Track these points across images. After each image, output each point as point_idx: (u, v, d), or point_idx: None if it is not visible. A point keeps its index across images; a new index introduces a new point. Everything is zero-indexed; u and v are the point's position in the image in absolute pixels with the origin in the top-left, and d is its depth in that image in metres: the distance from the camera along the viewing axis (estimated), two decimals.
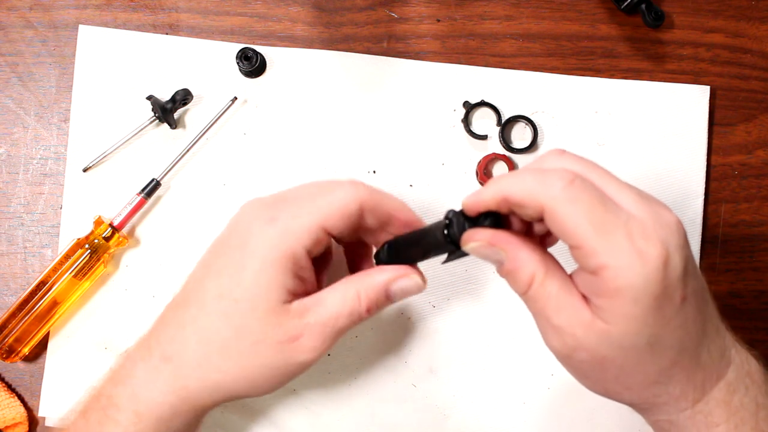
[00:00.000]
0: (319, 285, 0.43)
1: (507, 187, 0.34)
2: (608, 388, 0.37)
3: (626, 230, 0.32)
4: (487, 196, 0.35)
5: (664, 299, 0.33)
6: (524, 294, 0.36)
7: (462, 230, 0.36)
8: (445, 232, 0.36)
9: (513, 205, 0.34)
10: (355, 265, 0.46)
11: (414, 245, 0.40)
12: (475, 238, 0.36)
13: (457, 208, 0.37)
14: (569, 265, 0.36)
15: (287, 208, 0.40)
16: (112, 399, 0.41)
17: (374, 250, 0.44)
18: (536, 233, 0.38)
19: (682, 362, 0.35)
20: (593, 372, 0.36)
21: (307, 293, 0.40)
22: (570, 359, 0.36)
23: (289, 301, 0.39)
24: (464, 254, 0.37)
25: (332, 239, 0.41)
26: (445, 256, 0.39)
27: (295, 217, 0.39)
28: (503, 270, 0.36)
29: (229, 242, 0.41)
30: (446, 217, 0.37)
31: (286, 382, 0.41)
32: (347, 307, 0.39)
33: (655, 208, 0.34)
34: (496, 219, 0.36)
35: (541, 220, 0.34)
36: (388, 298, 0.41)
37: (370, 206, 0.40)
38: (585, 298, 0.35)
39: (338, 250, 0.46)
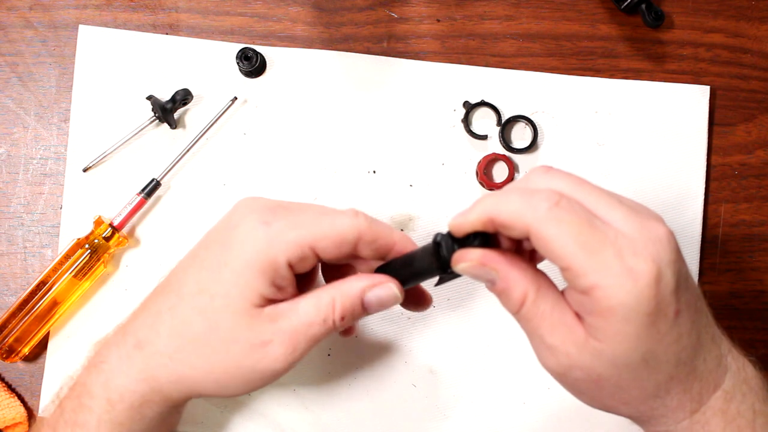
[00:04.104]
0: None
1: (492, 209, 0.34)
2: (605, 403, 0.37)
3: (615, 248, 0.32)
4: (472, 218, 0.35)
5: (657, 316, 0.33)
6: (516, 313, 0.36)
7: (451, 252, 0.36)
8: (436, 254, 0.36)
9: (499, 226, 0.34)
10: (331, 278, 0.45)
11: (405, 269, 0.40)
12: (465, 259, 0.35)
13: (445, 231, 0.37)
14: (560, 281, 0.36)
15: (283, 217, 0.39)
16: (86, 386, 0.41)
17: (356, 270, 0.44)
18: (525, 249, 0.38)
19: (679, 375, 0.35)
20: (589, 389, 0.36)
21: (283, 301, 0.40)
22: (565, 377, 0.36)
23: (263, 306, 0.39)
24: (456, 276, 0.37)
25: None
26: (437, 278, 0.39)
27: (288, 228, 0.38)
28: (495, 289, 0.36)
29: (218, 236, 0.41)
30: (435, 240, 0.37)
31: (256, 387, 0.40)
32: (321, 314, 0.39)
33: (645, 222, 0.33)
34: (485, 238, 0.36)
35: (528, 239, 0.34)
36: (363, 307, 0.40)
37: (368, 239, 0.39)
38: (578, 315, 0.35)
39: None
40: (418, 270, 0.39)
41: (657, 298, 0.32)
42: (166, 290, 0.41)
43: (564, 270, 0.33)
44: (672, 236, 0.34)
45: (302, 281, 0.43)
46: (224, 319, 0.38)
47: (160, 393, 0.40)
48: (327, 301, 0.39)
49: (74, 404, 0.41)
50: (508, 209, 0.34)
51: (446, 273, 0.37)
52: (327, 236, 0.38)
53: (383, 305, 0.40)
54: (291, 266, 0.39)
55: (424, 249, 0.38)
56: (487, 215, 0.34)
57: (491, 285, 0.36)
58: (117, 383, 0.40)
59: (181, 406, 0.43)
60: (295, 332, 0.39)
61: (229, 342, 0.39)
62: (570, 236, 0.32)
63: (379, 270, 0.42)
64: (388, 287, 0.40)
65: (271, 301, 0.39)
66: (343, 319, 0.39)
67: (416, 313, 0.54)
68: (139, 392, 0.40)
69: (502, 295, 0.36)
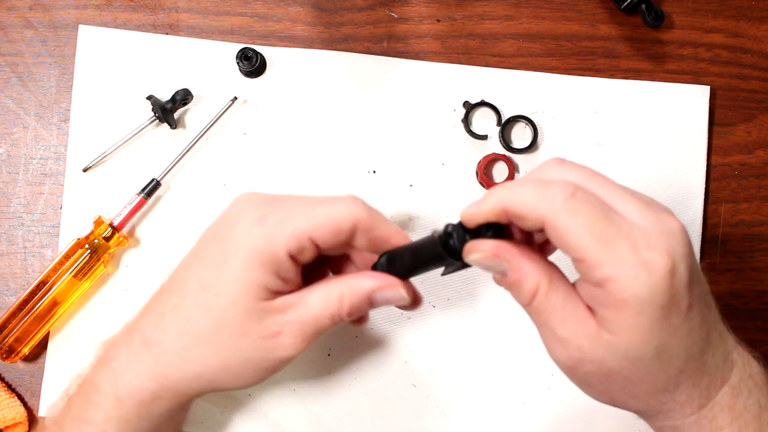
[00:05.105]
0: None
1: (507, 199, 0.34)
2: (614, 397, 0.37)
3: (630, 241, 0.32)
4: (486, 208, 0.35)
5: (670, 309, 0.33)
6: (528, 305, 0.36)
7: (463, 242, 0.35)
8: (448, 243, 0.36)
9: (513, 217, 0.34)
10: (336, 266, 0.45)
11: (412, 258, 0.40)
12: (477, 250, 0.35)
13: (455, 221, 0.36)
14: (570, 273, 0.36)
15: (279, 210, 0.39)
16: (94, 383, 0.41)
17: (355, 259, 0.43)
18: (536, 241, 0.38)
19: (689, 369, 0.35)
20: (599, 383, 0.36)
21: (290, 292, 0.40)
22: (575, 371, 0.36)
23: (271, 299, 0.39)
24: (464, 266, 0.37)
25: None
26: (443, 268, 0.38)
27: (284, 221, 0.38)
28: (506, 281, 0.36)
29: (216, 233, 0.41)
30: (445, 231, 0.36)
31: (268, 376, 0.41)
32: (329, 309, 0.39)
33: (659, 216, 0.33)
34: (497, 229, 0.35)
35: (541, 230, 0.34)
36: (370, 303, 0.40)
37: (364, 227, 0.39)
38: (589, 308, 0.35)
39: None
40: (427, 260, 0.38)
41: (671, 291, 0.32)
42: (169, 289, 0.41)
43: (578, 261, 0.33)
44: (684, 230, 0.34)
45: (313, 275, 0.43)
46: (233, 315, 0.39)
47: (170, 390, 0.40)
48: (335, 296, 0.39)
49: (81, 401, 0.41)
50: (523, 200, 0.33)
51: (455, 263, 0.37)
52: (323, 225, 0.38)
53: (390, 303, 0.41)
54: (292, 257, 0.39)
55: (432, 239, 0.37)
56: (501, 206, 0.34)
57: (501, 277, 0.36)
58: (126, 380, 0.40)
59: (188, 404, 0.43)
60: (303, 323, 0.39)
61: (237, 336, 0.39)
62: (585, 228, 0.32)
63: (383, 258, 0.41)
64: (398, 291, 0.40)
65: (278, 293, 0.39)
66: (349, 315, 0.40)
67: (416, 312, 0.54)
68: (149, 389, 0.40)
69: (514, 286, 0.36)
